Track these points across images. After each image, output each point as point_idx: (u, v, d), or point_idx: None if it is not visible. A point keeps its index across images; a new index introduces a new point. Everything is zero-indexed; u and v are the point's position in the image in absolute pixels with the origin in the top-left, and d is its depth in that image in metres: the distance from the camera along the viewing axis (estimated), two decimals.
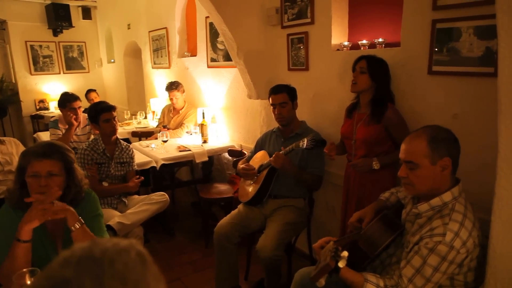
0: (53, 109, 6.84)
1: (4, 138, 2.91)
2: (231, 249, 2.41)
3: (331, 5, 2.52)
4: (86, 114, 3.18)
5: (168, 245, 3.32)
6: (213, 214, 3.58)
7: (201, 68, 4.22)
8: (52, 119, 3.64)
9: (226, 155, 3.80)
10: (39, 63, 6.97)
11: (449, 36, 1.86)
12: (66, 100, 3.41)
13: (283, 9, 2.90)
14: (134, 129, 4.67)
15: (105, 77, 7.63)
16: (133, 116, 5.21)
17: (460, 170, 1.43)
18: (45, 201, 1.42)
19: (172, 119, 4.27)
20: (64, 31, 7.00)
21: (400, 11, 2.09)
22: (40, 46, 6.95)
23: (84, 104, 4.07)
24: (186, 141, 3.84)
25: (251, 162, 2.63)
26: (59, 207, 1.45)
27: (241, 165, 2.63)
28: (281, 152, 2.33)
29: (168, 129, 4.01)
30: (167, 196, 2.79)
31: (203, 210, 3.37)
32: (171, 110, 4.32)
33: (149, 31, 5.26)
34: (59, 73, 7.21)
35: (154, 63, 5.36)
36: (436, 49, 1.92)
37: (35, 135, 4.67)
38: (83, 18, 7.22)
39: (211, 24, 3.82)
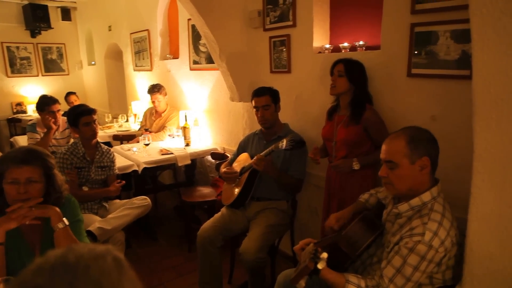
0: (31, 112, 6.69)
1: None
2: (214, 252, 2.40)
3: (313, 8, 2.55)
4: (66, 118, 3.12)
5: (151, 250, 3.28)
6: (196, 218, 3.56)
7: (183, 70, 4.20)
8: (29, 123, 3.56)
9: (209, 158, 3.79)
10: (16, 65, 6.80)
11: (427, 39, 1.91)
12: (45, 103, 3.34)
13: (265, 12, 2.91)
14: (116, 133, 4.63)
15: (85, 79, 7.52)
16: (115, 119, 5.15)
17: (438, 170, 1.46)
18: (24, 206, 1.40)
19: (154, 122, 4.24)
20: (42, 32, 6.85)
21: (380, 14, 2.13)
22: (17, 47, 6.78)
23: (63, 107, 3.99)
24: (169, 144, 3.82)
25: (233, 165, 2.63)
26: (39, 211, 1.43)
27: (223, 169, 2.63)
28: (261, 154, 2.34)
29: (150, 132, 3.96)
30: (149, 200, 2.77)
31: (186, 214, 3.35)
32: (153, 113, 4.29)
33: (131, 33, 5.22)
34: (37, 76, 7.05)
35: (136, 66, 5.32)
36: (416, 52, 1.96)
37: (12, 139, 4.56)
38: (63, 19, 7.10)
39: (193, 26, 3.81)
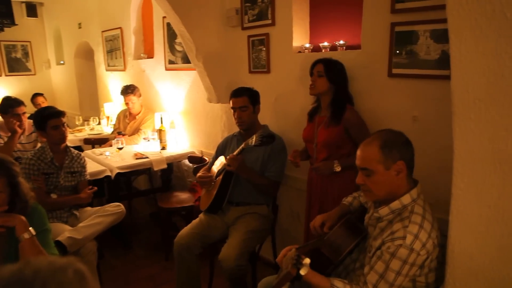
0: None
1: None
2: (192, 260, 2.38)
3: (292, 7, 2.58)
4: (32, 121, 3.05)
5: (125, 260, 3.24)
6: (174, 225, 3.53)
7: (158, 70, 4.17)
8: None
9: (186, 161, 3.77)
10: None
11: (407, 39, 1.96)
12: (9, 106, 3.25)
13: (243, 10, 2.92)
14: (87, 136, 4.56)
15: (53, 80, 7.37)
16: (86, 122, 5.07)
17: (419, 171, 1.50)
18: None
19: (128, 124, 4.20)
20: (5, 29, 6.64)
21: (361, 13, 2.17)
22: None
23: (29, 109, 3.90)
24: (143, 148, 3.78)
25: (213, 169, 2.62)
26: (3, 219, 1.39)
27: (199, 173, 2.62)
28: (233, 153, 2.35)
29: (123, 135, 3.92)
30: (123, 206, 2.74)
31: (162, 221, 3.32)
32: (127, 116, 4.25)
33: (102, 31, 5.15)
34: (0, 76, 6.85)
35: (108, 65, 5.25)
36: (397, 52, 2.01)
37: None
38: (28, 16, 6.91)
39: (168, 24, 3.79)
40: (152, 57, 4.30)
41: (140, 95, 4.12)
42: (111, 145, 3.83)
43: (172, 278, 2.79)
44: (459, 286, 1.33)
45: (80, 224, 2.50)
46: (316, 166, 2.14)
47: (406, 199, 1.43)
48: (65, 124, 2.67)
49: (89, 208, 2.77)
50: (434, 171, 1.87)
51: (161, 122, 3.75)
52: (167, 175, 3.86)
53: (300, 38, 2.66)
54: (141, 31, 4.60)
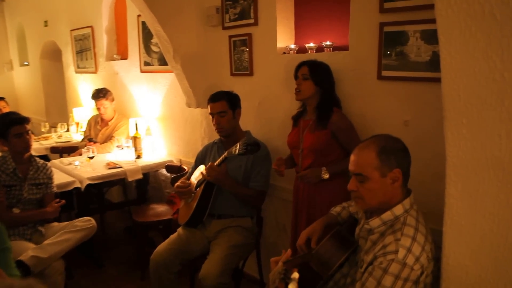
0: None
1: None
2: (170, 279, 2.37)
3: (276, 5, 2.60)
4: None
5: (97, 279, 3.19)
6: (150, 240, 3.50)
7: (133, 73, 4.15)
8: None
9: (164, 171, 3.75)
10: None
11: (397, 40, 1.99)
12: None
13: (224, 8, 2.94)
14: (54, 144, 4.52)
15: (16, 82, 7.28)
16: (53, 129, 5.02)
17: (412, 179, 1.52)
18: None
19: (99, 131, 4.17)
20: None
21: (348, 12, 2.21)
22: None
23: None
24: (117, 156, 3.74)
25: (192, 179, 2.61)
26: None
27: (177, 183, 2.61)
28: (215, 163, 2.34)
29: (95, 143, 3.89)
30: (93, 221, 2.72)
31: (138, 236, 3.29)
32: (98, 122, 4.23)
33: (71, 30, 5.12)
34: None
35: (78, 67, 5.22)
36: (388, 53, 2.05)
37: None
38: None
39: (143, 23, 3.78)
40: (126, 59, 4.28)
41: (113, 100, 4.10)
42: (81, 154, 3.79)
43: None
44: None
45: (46, 242, 2.47)
46: (303, 174, 2.15)
47: (398, 209, 1.45)
48: (30, 132, 2.65)
49: (56, 224, 2.74)
50: (427, 179, 1.90)
51: (136, 129, 3.73)
52: (143, 186, 3.83)
53: (285, 39, 2.69)
54: (114, 30, 4.58)
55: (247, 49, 2.83)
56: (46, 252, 2.37)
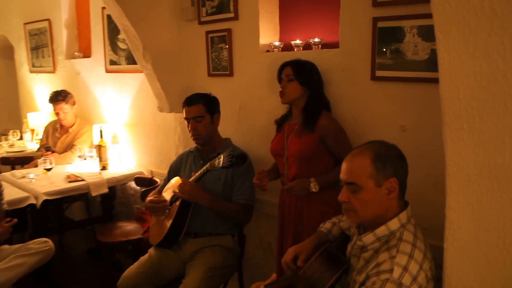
0: None
1: None
2: None
3: None
4: None
5: None
6: (117, 263, 3.47)
7: (97, 73, 4.14)
8: None
9: (133, 184, 3.74)
10: None
11: (392, 36, 2.03)
12: None
13: (200, 1, 2.95)
14: (5, 154, 4.49)
15: None
16: (3, 137, 5.01)
17: (410, 190, 1.54)
18: None
19: (59, 139, 4.14)
20: None
21: (338, 6, 2.24)
22: None
23: None
24: (79, 168, 3.73)
25: (164, 193, 2.60)
26: None
27: (149, 197, 2.59)
28: (190, 179, 2.34)
29: (53, 152, 3.86)
30: (51, 243, 2.70)
31: (103, 258, 3.26)
32: (57, 128, 4.20)
33: (25, 23, 5.10)
34: None
35: (33, 66, 5.19)
36: (382, 50, 2.08)
37: None
38: None
39: (109, 17, 3.77)
40: (89, 57, 4.28)
41: (74, 103, 4.08)
42: (36, 165, 3.74)
43: None
44: None
45: None
46: (289, 186, 2.14)
47: (394, 224, 1.46)
48: None
49: (6, 246, 2.71)
50: (426, 189, 1.93)
51: (101, 136, 3.70)
52: (109, 202, 3.82)
53: (269, 35, 2.71)
54: (74, 24, 4.57)
55: (227, 47, 2.85)
56: None
